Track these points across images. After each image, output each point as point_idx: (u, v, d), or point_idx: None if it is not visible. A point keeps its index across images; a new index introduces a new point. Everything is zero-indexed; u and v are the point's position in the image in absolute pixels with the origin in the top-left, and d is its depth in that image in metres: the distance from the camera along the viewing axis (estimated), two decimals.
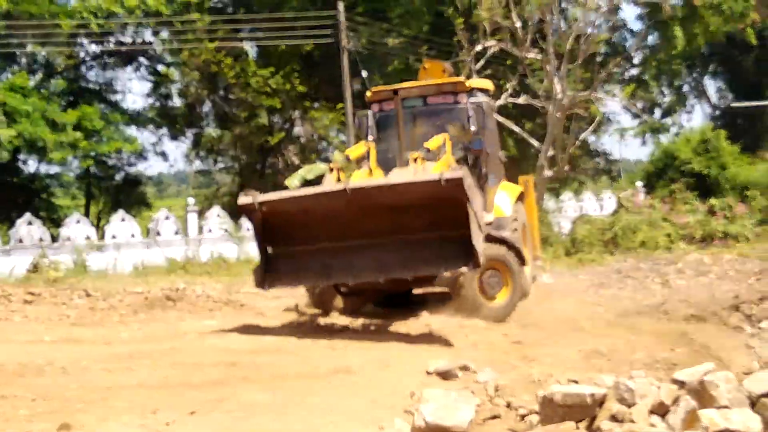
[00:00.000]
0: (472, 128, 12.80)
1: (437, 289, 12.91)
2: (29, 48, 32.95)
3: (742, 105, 43.00)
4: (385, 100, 13.32)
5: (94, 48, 36.77)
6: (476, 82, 13.66)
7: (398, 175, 11.28)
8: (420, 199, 10.33)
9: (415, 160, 11.23)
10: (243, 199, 10.57)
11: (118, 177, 37.72)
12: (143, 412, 7.17)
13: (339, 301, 12.56)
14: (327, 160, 29.21)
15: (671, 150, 35.04)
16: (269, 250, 10.91)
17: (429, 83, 13.72)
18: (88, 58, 37.95)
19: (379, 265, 10.62)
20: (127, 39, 37.18)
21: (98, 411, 7.24)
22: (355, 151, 12.43)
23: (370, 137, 13.03)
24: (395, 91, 12.75)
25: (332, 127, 35.44)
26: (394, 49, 32.86)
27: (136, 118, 37.01)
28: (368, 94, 13.69)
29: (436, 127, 13.17)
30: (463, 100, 13.08)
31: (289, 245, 10.90)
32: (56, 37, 31.87)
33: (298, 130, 39.43)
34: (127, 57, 37.96)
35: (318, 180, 30.47)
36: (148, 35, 38.04)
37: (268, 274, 10.86)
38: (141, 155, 38.68)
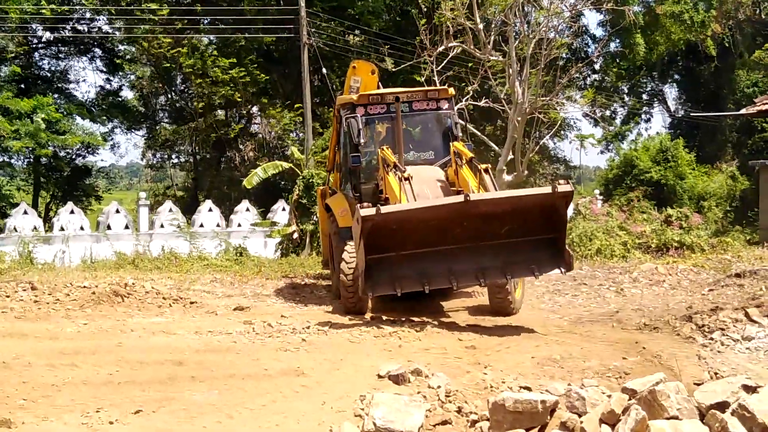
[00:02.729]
0: (459, 133, 13.79)
1: None
2: None
3: (701, 115, 43.53)
4: (372, 105, 13.83)
5: (47, 35, 36.22)
6: (452, 90, 14.35)
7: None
8: (526, 208, 11.35)
9: (486, 170, 12.20)
10: (366, 211, 10.85)
11: (68, 168, 37.09)
12: (86, 410, 7.05)
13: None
14: (285, 158, 29.08)
15: (630, 158, 35.37)
16: (371, 258, 11.16)
17: (417, 90, 14.52)
18: (41, 46, 37.38)
19: (478, 270, 11.45)
20: (82, 27, 36.72)
21: (40, 408, 7.12)
22: (389, 156, 12.86)
23: (361, 140, 13.57)
24: (396, 98, 13.66)
25: (291, 126, 35.22)
26: (354, 47, 32.78)
27: (91, 110, 36.43)
28: (354, 98, 14.01)
29: (420, 129, 14.60)
30: (445, 106, 14.08)
31: (388, 252, 11.34)
32: (8, 22, 31.31)
33: (256, 126, 39.22)
34: (81, 46, 37.42)
35: (277, 177, 30.32)
36: (104, 25, 37.67)
37: (369, 281, 11.23)
38: (91, 147, 38.22)
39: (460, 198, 10.98)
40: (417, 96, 14.00)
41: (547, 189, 11.23)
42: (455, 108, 14.23)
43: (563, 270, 11.57)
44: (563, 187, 10.94)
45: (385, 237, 11.08)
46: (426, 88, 15.11)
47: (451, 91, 14.23)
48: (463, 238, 11.37)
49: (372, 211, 10.85)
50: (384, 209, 10.99)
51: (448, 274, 11.38)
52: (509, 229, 11.38)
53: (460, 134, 13.84)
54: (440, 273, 11.40)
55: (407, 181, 12.02)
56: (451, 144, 13.35)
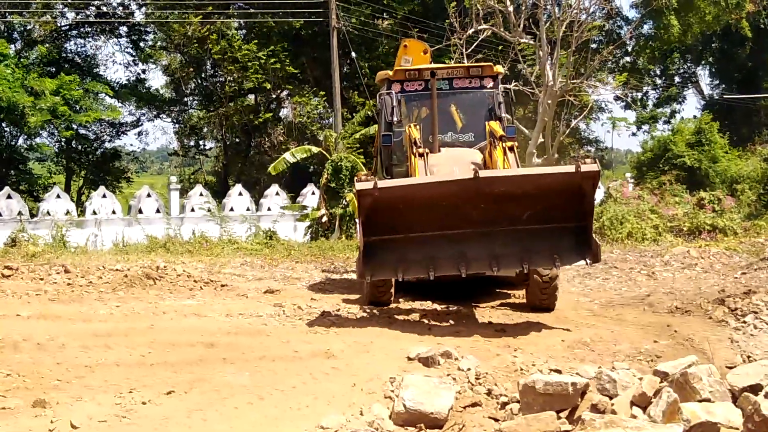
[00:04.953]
0: (504, 115, 12.63)
1: None
2: (8, 17, 32.67)
3: (735, 97, 43.01)
4: (408, 81, 12.82)
5: (72, 16, 36.51)
6: (499, 68, 13.21)
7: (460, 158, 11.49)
8: (546, 189, 10.08)
9: (511, 148, 11.17)
10: (362, 185, 9.86)
11: (98, 151, 37.43)
12: (119, 390, 7.10)
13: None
14: (314, 142, 29.13)
15: (664, 141, 35.11)
16: (372, 239, 10.26)
17: (457, 66, 13.51)
18: (68, 28, 37.63)
19: (493, 257, 10.28)
20: (109, 10, 36.95)
21: (74, 388, 7.18)
22: (414, 133, 11.90)
23: (395, 118, 12.48)
24: (432, 73, 12.36)
25: (317, 110, 35.29)
26: (384, 31, 32.69)
27: (118, 91, 36.64)
28: (389, 73, 13.09)
29: (461, 109, 13.06)
30: (489, 85, 12.85)
31: (394, 234, 10.33)
32: (34, 5, 31.60)
33: (285, 111, 39.31)
34: (108, 27, 37.64)
35: (306, 161, 30.44)
36: (134, 9, 37.88)
37: (369, 263, 10.24)
38: (119, 130, 38.52)
39: (469, 174, 9.82)
40: (458, 72, 12.86)
41: (570, 168, 9.90)
42: (501, 87, 13.00)
43: (589, 261, 10.24)
44: (588, 166, 9.63)
45: (389, 216, 10.11)
46: (468, 64, 13.86)
47: (498, 68, 13.07)
48: (477, 222, 10.24)
49: (369, 184, 9.82)
50: (382, 183, 10.01)
51: (458, 260, 10.25)
52: (528, 212, 10.23)
53: (504, 115, 12.60)
54: (449, 258, 10.30)
55: (422, 158, 11.16)
56: (486, 123, 12.26)
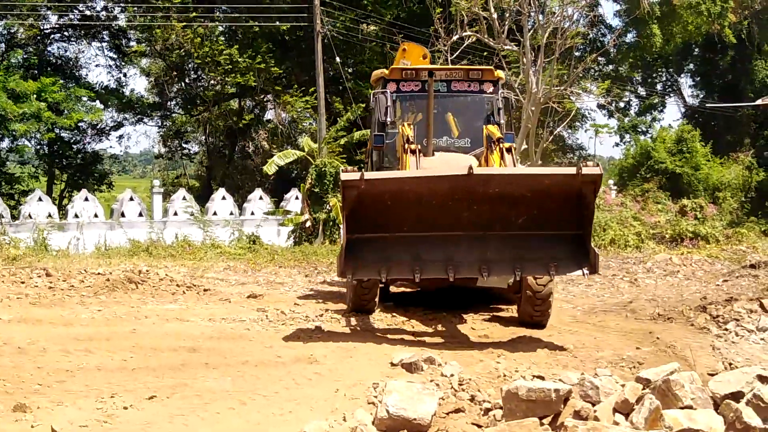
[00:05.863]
0: (502, 121, 12.22)
1: None
2: None
3: (715, 105, 43.29)
4: (404, 81, 12.24)
5: (54, 19, 36.43)
6: (500, 73, 12.71)
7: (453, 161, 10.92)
8: (544, 192, 9.54)
9: (509, 150, 10.67)
10: (348, 176, 9.29)
11: (79, 154, 37.28)
12: (101, 395, 7.06)
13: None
14: (299, 147, 29.11)
15: (646, 148, 35.32)
16: (356, 236, 9.62)
17: (456, 68, 13.08)
18: (51, 32, 37.48)
19: (483, 262, 9.64)
20: (92, 14, 36.82)
21: (55, 393, 7.13)
22: (407, 130, 11.31)
23: (388, 118, 11.85)
24: (430, 73, 11.54)
25: (305, 113, 35.27)
26: (368, 36, 32.71)
27: (100, 94, 36.47)
28: (385, 72, 12.52)
29: (458, 113, 12.61)
30: (489, 90, 12.34)
31: (379, 231, 9.74)
32: (18, 8, 31.47)
33: (270, 114, 39.32)
34: (92, 31, 37.52)
35: (290, 165, 30.43)
36: (117, 13, 37.78)
37: (352, 261, 9.65)
38: (101, 133, 38.39)
39: (463, 170, 9.31)
40: (457, 75, 12.33)
41: (571, 169, 9.37)
42: (501, 94, 12.49)
43: (587, 272, 9.59)
44: (590, 169, 9.06)
45: (375, 212, 9.56)
46: (468, 66, 13.37)
47: (499, 73, 12.51)
48: (468, 223, 9.68)
49: (355, 176, 9.25)
50: (369, 175, 9.47)
51: (446, 263, 9.64)
52: (524, 215, 9.66)
53: (502, 122, 12.16)
54: (437, 261, 9.69)
55: (414, 154, 10.64)
56: (483, 127, 11.68)
